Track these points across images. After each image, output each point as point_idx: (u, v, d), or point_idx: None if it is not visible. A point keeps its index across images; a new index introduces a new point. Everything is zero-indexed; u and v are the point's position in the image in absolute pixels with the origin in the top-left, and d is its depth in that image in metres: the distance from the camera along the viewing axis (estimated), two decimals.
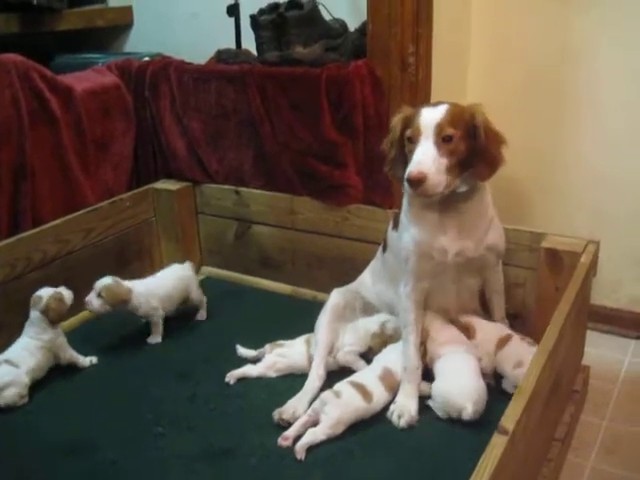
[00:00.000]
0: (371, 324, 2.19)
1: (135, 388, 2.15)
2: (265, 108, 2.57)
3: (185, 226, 2.89)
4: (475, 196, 1.93)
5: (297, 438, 1.85)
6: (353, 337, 2.17)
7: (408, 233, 1.98)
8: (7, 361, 2.06)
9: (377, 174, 2.37)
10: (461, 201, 1.91)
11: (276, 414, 1.94)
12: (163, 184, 2.88)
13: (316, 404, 1.90)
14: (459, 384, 1.90)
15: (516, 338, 2.06)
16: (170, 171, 2.90)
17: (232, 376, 2.16)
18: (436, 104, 1.84)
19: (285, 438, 1.85)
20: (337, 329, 2.19)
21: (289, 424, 1.91)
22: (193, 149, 2.82)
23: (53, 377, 2.18)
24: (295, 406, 1.96)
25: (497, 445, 1.36)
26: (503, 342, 2.05)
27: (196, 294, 2.53)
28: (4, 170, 2.32)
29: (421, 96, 2.42)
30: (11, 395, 2.02)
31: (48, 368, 2.17)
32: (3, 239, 2.33)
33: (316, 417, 1.88)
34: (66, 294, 2.20)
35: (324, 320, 2.20)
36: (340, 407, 1.87)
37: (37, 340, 2.12)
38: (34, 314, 2.14)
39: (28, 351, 2.11)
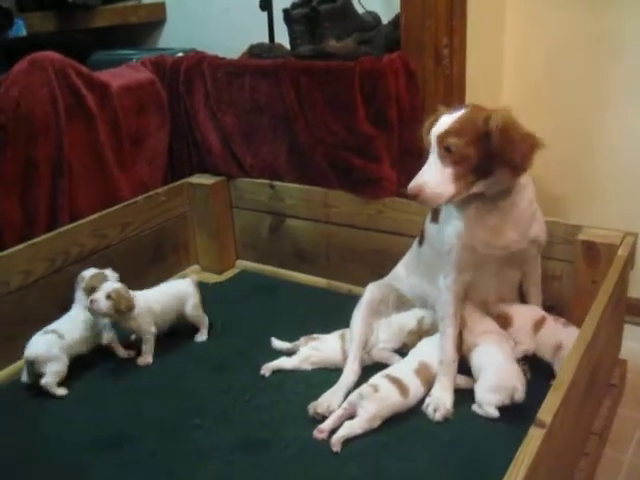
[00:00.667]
0: (407, 320, 2.19)
1: (171, 381, 2.18)
2: (299, 102, 2.57)
3: (220, 220, 2.91)
4: (514, 193, 1.91)
5: (332, 431, 1.86)
6: (387, 333, 2.17)
7: (451, 226, 1.97)
8: (54, 331, 2.14)
9: (411, 167, 2.35)
10: (500, 198, 1.90)
11: (311, 408, 1.95)
12: (198, 178, 2.91)
13: (352, 397, 1.91)
14: (504, 368, 1.91)
15: (550, 320, 2.06)
16: (205, 165, 2.93)
17: (267, 368, 2.17)
18: (458, 108, 1.85)
19: (321, 431, 1.86)
20: (372, 324, 2.19)
21: (324, 418, 1.91)
22: (227, 144, 2.84)
23: (90, 369, 2.22)
24: (330, 400, 1.96)
25: (534, 438, 1.35)
26: (538, 325, 2.05)
27: (192, 312, 2.36)
28: (42, 166, 2.36)
29: (456, 89, 2.41)
30: (55, 370, 2.09)
31: (91, 346, 2.25)
32: (42, 234, 2.37)
33: (352, 410, 1.88)
34: (109, 274, 2.32)
35: (359, 315, 2.20)
36: (377, 402, 1.87)
37: (82, 315, 2.23)
38: (78, 292, 2.28)
39: (73, 324, 2.20)
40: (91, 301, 2.11)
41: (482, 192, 1.86)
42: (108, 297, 2.12)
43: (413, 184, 1.78)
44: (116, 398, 2.09)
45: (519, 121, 1.80)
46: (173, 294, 2.35)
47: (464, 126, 1.79)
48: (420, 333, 2.15)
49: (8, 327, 2.25)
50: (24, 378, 2.14)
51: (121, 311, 2.15)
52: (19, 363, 2.27)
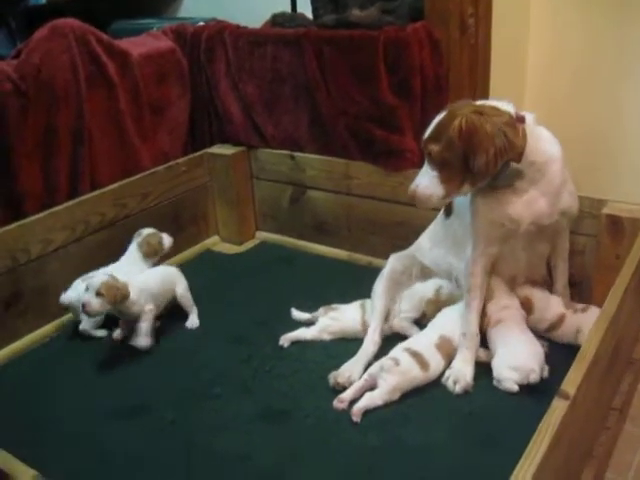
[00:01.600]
0: (426, 290, 2.18)
1: (191, 351, 2.18)
2: (321, 72, 2.54)
3: (240, 191, 2.90)
4: (545, 163, 1.88)
5: (352, 402, 1.86)
6: (409, 304, 2.16)
7: (478, 200, 1.94)
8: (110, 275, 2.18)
9: None
10: (529, 171, 1.87)
11: (331, 378, 1.95)
12: (218, 149, 2.89)
13: (373, 369, 1.90)
14: (524, 349, 1.90)
15: (569, 315, 2.04)
16: (225, 136, 2.91)
17: (286, 339, 2.17)
18: (447, 108, 1.84)
19: (341, 401, 1.86)
20: (394, 295, 2.18)
21: (344, 388, 1.91)
22: (248, 114, 2.82)
23: (109, 339, 2.24)
24: (351, 370, 1.96)
25: (558, 409, 1.34)
26: (555, 325, 2.04)
27: (184, 294, 2.33)
28: (62, 134, 2.35)
29: (481, 59, 2.38)
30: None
31: None
32: (63, 202, 2.37)
33: (372, 382, 1.88)
34: (165, 238, 2.43)
35: (381, 286, 2.19)
36: (398, 375, 1.87)
37: (125, 267, 2.31)
38: (132, 245, 2.40)
39: (122, 272, 2.24)
40: (83, 305, 2.00)
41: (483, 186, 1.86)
42: (98, 295, 2.00)
43: (410, 187, 1.88)
44: (136, 368, 2.10)
45: (485, 124, 1.74)
46: (164, 277, 2.30)
47: (439, 131, 1.80)
48: (438, 303, 2.14)
49: (28, 296, 2.26)
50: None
51: (117, 302, 2.06)
52: (40, 331, 2.30)
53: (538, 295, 2.07)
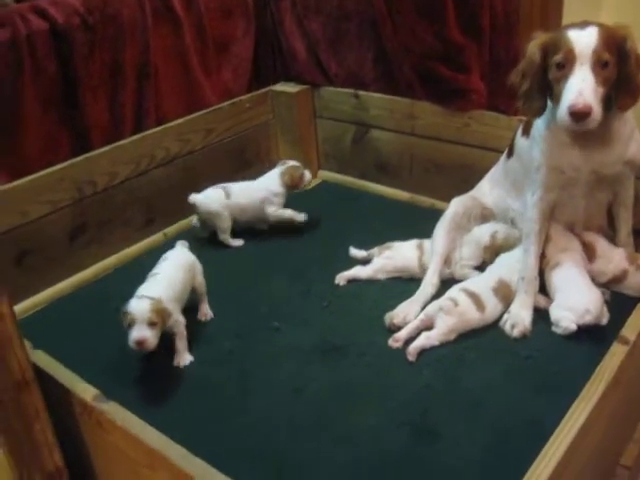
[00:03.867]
0: (481, 235, 2.15)
1: (250, 284, 2.22)
2: (387, 8, 2.48)
3: (303, 129, 2.89)
4: (613, 112, 1.80)
5: (407, 341, 1.86)
6: (469, 250, 2.14)
7: (540, 145, 1.89)
8: (224, 187, 2.38)
9: (502, 79, 2.25)
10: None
11: (387, 318, 1.95)
12: (282, 86, 2.88)
13: (430, 309, 1.90)
14: (581, 290, 1.86)
15: (632, 272, 1.98)
16: (290, 73, 2.89)
17: (342, 277, 2.18)
18: (582, 26, 1.68)
19: (396, 340, 1.87)
20: (455, 238, 2.15)
21: (399, 328, 1.92)
22: (313, 51, 2.79)
23: None
24: (406, 311, 1.96)
25: (617, 354, 1.33)
26: (617, 279, 1.99)
27: (201, 281, 2.07)
28: (128, 69, 2.37)
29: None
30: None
31: (249, 218, 2.46)
32: (128, 137, 2.41)
33: (428, 322, 1.88)
34: (307, 174, 2.49)
35: (442, 229, 2.17)
36: (456, 316, 1.87)
37: (253, 186, 2.46)
38: (274, 171, 2.48)
39: (242, 190, 2.41)
40: (139, 343, 1.69)
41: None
42: (151, 325, 1.71)
43: (581, 102, 1.62)
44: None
45: None
46: (185, 270, 1.99)
47: (609, 42, 1.65)
48: (494, 248, 2.11)
49: (95, 227, 2.32)
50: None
51: (166, 324, 1.79)
52: (107, 261, 2.37)
53: (602, 244, 2.02)
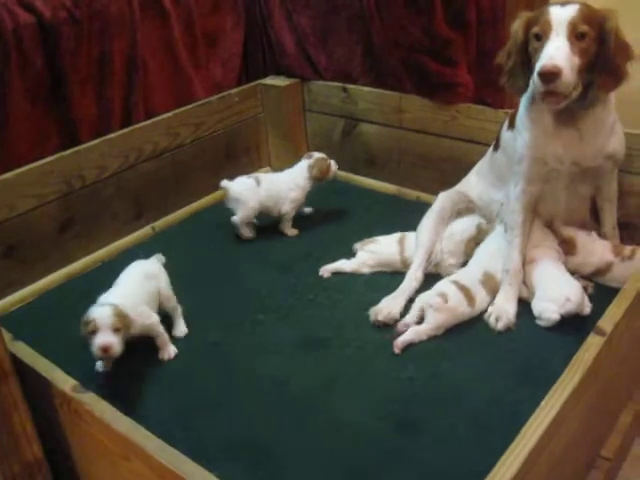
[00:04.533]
0: (466, 227, 2.15)
1: (237, 277, 2.23)
2: (375, 2, 2.49)
3: (292, 123, 2.89)
4: (596, 105, 1.82)
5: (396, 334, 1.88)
6: (450, 245, 2.14)
7: (522, 137, 1.91)
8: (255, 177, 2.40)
9: (489, 72, 2.27)
10: (579, 110, 1.82)
11: (372, 314, 1.96)
12: (272, 80, 2.88)
13: (420, 303, 1.91)
14: (559, 281, 1.89)
15: (617, 263, 1.99)
16: (279, 67, 2.90)
17: (326, 270, 2.20)
18: (564, 3, 1.72)
19: (405, 325, 1.89)
20: (440, 233, 2.16)
21: (385, 325, 1.93)
22: (302, 45, 2.79)
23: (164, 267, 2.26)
24: (391, 306, 1.97)
25: (593, 345, 1.34)
26: (602, 271, 2.01)
27: (167, 291, 1.97)
28: (117, 61, 2.37)
29: None
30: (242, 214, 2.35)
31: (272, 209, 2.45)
32: (117, 130, 2.41)
33: (421, 315, 1.90)
34: (333, 165, 2.49)
35: (428, 223, 2.18)
36: (446, 312, 1.88)
37: (283, 177, 2.48)
38: (301, 164, 2.49)
39: (271, 182, 2.44)
40: (104, 350, 1.63)
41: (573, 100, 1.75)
42: (115, 331, 1.66)
43: (550, 62, 1.64)
44: (182, 290, 2.08)
45: None
46: (145, 274, 1.93)
47: (588, 18, 1.68)
48: (478, 240, 2.13)
49: (83, 221, 2.33)
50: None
51: (129, 328, 1.72)
52: (97, 254, 2.38)
53: (582, 237, 2.03)
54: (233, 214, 2.39)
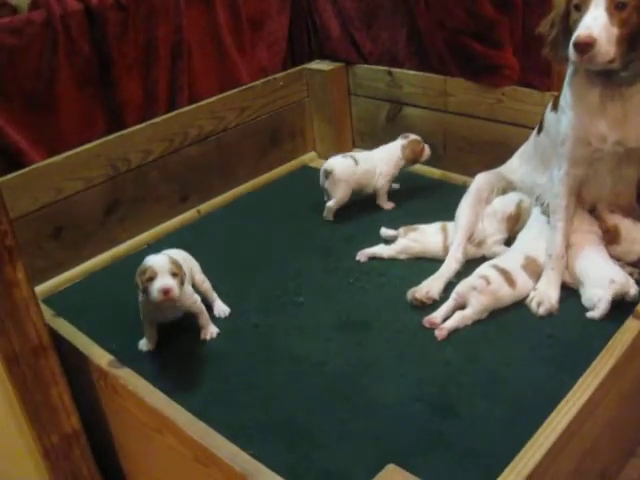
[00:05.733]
0: (506, 205, 2.14)
1: (279, 260, 2.24)
2: None
3: (337, 107, 2.89)
4: None
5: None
6: (493, 223, 2.13)
7: (566, 116, 1.87)
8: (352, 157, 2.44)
9: (535, 54, 2.22)
10: (625, 85, 1.77)
11: (409, 293, 1.96)
12: (317, 64, 2.89)
13: (461, 288, 1.89)
14: (596, 267, 1.86)
15: None
16: (324, 51, 2.90)
17: (363, 254, 2.19)
18: None
19: (432, 323, 1.85)
20: (479, 213, 2.15)
21: (422, 303, 1.93)
22: (347, 29, 2.79)
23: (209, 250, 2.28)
24: (430, 286, 1.97)
25: (630, 329, 1.31)
26: None
27: (199, 280, 1.98)
28: (162, 47, 2.40)
29: None
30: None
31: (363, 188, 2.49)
32: (162, 114, 2.44)
33: (461, 300, 1.88)
34: (426, 148, 2.50)
35: (466, 204, 2.17)
36: (489, 294, 1.86)
37: (379, 154, 2.50)
38: (395, 143, 2.51)
39: (367, 159, 2.47)
40: (166, 292, 1.64)
41: (616, 70, 1.72)
42: (173, 275, 1.67)
43: (585, 32, 1.62)
44: (226, 271, 2.16)
45: None
46: (181, 257, 1.90)
47: None
48: (518, 217, 2.11)
49: (129, 203, 2.37)
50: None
51: (183, 283, 1.74)
52: (141, 237, 2.42)
53: (627, 225, 1.98)
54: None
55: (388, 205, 2.50)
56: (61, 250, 2.22)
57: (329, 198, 2.43)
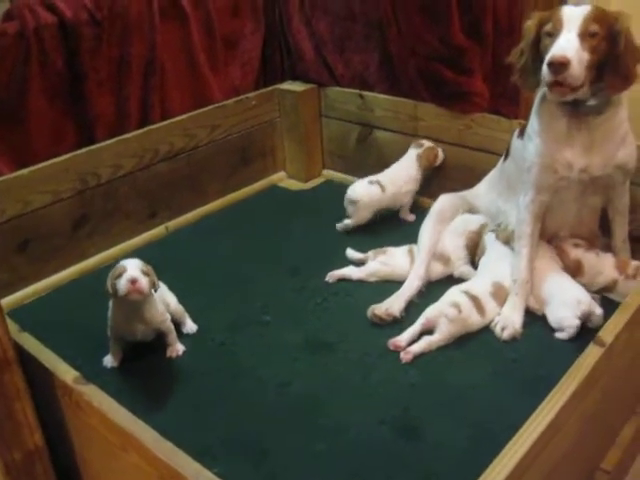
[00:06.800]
0: (472, 221, 2.20)
1: (245, 278, 2.25)
2: (393, 10, 2.51)
3: (308, 128, 2.91)
4: (608, 110, 1.83)
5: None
6: (454, 238, 2.17)
7: (533, 143, 1.91)
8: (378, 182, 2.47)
9: (504, 82, 2.27)
10: (592, 114, 1.82)
11: (369, 310, 1.98)
12: (289, 85, 2.91)
13: (431, 312, 1.89)
14: (564, 288, 1.91)
15: (621, 281, 1.98)
16: (296, 72, 2.92)
17: (332, 276, 2.21)
18: (577, 4, 1.76)
19: (397, 346, 1.86)
20: (441, 232, 2.19)
21: (381, 320, 1.95)
22: (320, 51, 2.82)
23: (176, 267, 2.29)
24: (390, 303, 1.99)
25: (591, 354, 1.34)
26: (607, 289, 2.00)
27: (177, 306, 1.99)
28: (135, 64, 2.40)
29: (556, 2, 2.29)
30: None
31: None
32: (133, 130, 2.44)
33: (429, 324, 1.88)
34: (440, 153, 2.54)
35: (428, 224, 2.21)
36: (459, 322, 1.88)
37: (407, 169, 2.54)
38: (410, 153, 2.55)
39: (395, 177, 2.52)
40: (132, 281, 1.64)
41: (582, 99, 1.78)
42: (143, 273, 1.69)
43: (560, 52, 1.66)
44: (193, 289, 2.15)
45: None
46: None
47: (600, 18, 1.71)
48: (477, 239, 2.15)
49: (98, 218, 2.36)
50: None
51: (155, 287, 1.76)
52: (110, 251, 2.41)
53: (589, 258, 2.02)
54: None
55: (411, 217, 2.55)
56: (27, 264, 2.20)
57: (349, 217, 2.48)
